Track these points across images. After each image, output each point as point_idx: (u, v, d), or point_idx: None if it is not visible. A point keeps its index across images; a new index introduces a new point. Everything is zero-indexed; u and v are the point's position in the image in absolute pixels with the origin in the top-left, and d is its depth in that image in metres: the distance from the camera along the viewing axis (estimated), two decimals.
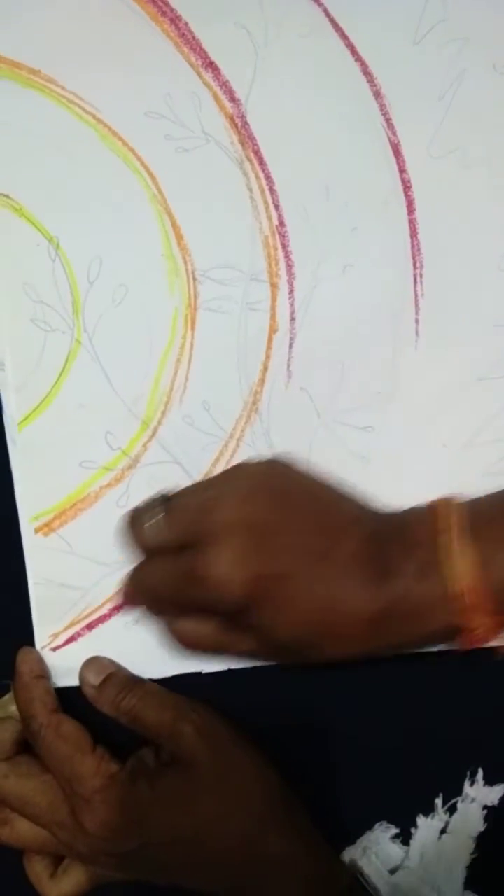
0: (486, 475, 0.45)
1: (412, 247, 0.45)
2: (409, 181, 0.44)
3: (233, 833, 0.42)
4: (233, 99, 0.44)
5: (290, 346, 0.45)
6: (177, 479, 0.45)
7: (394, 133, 0.44)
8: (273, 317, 0.45)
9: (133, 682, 0.44)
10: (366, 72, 0.44)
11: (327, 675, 0.44)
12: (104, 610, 0.45)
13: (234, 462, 0.45)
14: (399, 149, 0.44)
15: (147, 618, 0.43)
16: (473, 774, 0.46)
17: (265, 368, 0.45)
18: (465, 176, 0.44)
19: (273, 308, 0.45)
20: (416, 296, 0.45)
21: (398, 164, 0.44)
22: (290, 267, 0.45)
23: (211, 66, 0.43)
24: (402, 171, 0.44)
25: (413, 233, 0.45)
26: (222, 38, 0.43)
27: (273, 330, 0.45)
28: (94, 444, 0.45)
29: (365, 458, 0.45)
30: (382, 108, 0.44)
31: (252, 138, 0.44)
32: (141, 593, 0.42)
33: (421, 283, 0.45)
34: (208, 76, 0.44)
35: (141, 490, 0.44)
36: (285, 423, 0.45)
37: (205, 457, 0.45)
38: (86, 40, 0.43)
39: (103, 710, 0.43)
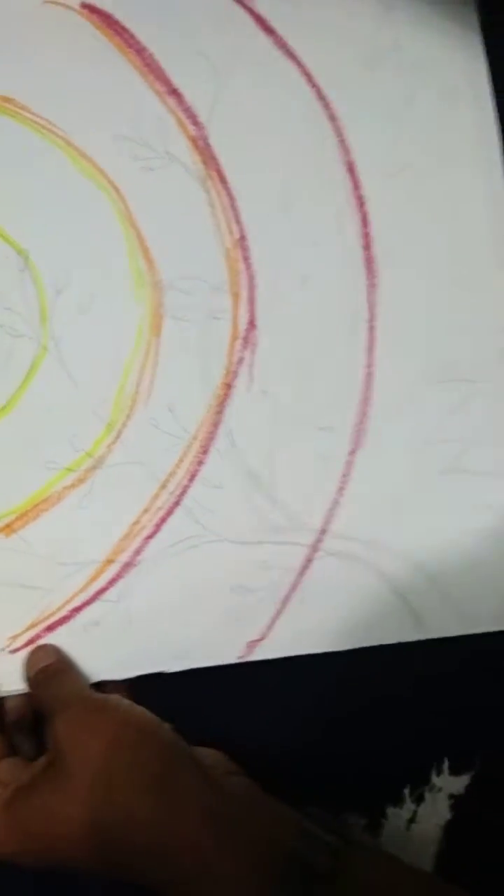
0: (442, 473, 0.46)
1: (366, 259, 0.47)
2: (363, 197, 0.47)
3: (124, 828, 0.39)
4: (195, 122, 0.46)
5: (252, 352, 0.46)
6: (140, 479, 0.45)
7: (348, 153, 0.47)
8: (235, 325, 0.46)
9: (68, 668, 0.44)
10: (320, 96, 0.47)
11: (294, 668, 0.44)
12: (65, 611, 0.45)
13: (197, 463, 0.45)
14: (353, 167, 0.47)
15: None
16: (440, 764, 0.46)
17: (228, 373, 0.46)
18: (415, 192, 0.47)
19: (235, 317, 0.46)
20: (370, 304, 0.47)
21: (353, 181, 0.47)
22: (251, 278, 0.46)
23: (174, 92, 0.46)
24: (356, 187, 0.47)
25: (367, 245, 0.47)
26: (184, 66, 0.46)
27: (235, 337, 0.46)
28: (59, 445, 0.45)
29: (325, 458, 0.46)
30: (337, 130, 0.47)
31: (214, 158, 0.46)
32: None
33: (376, 292, 0.47)
34: (172, 102, 0.46)
35: (106, 490, 0.45)
36: (248, 425, 0.46)
37: (168, 458, 0.45)
38: (57, 70, 0.46)
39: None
